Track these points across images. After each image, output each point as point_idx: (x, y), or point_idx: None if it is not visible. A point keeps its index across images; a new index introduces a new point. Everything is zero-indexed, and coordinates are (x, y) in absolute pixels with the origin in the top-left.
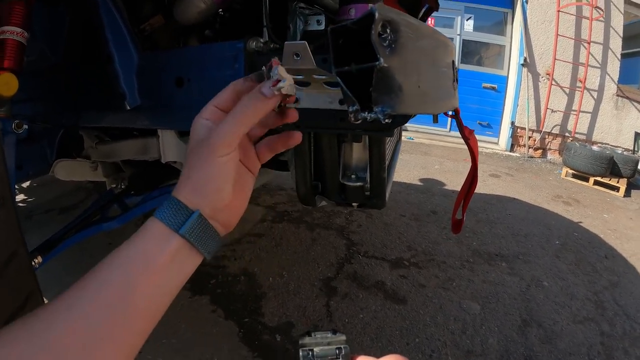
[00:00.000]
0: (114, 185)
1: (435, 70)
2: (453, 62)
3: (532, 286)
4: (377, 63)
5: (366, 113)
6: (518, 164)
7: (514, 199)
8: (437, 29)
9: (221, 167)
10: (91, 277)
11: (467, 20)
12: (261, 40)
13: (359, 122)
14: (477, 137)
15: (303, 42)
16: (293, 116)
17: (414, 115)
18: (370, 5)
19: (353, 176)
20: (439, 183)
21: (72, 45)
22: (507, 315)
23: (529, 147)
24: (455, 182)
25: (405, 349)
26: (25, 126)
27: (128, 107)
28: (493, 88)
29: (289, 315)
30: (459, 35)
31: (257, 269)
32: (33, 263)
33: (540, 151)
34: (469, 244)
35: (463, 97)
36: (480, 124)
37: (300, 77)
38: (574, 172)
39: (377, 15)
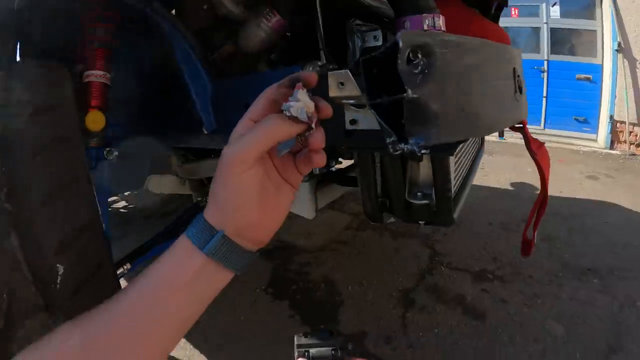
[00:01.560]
0: (200, 199)
1: (487, 86)
2: (514, 69)
3: (625, 307)
4: (404, 95)
5: (402, 144)
6: (619, 163)
7: (614, 204)
8: (523, 18)
9: (239, 184)
10: (130, 288)
11: (552, 6)
12: (319, 63)
13: (398, 152)
14: (574, 134)
15: (345, 71)
16: (314, 144)
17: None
18: (399, 32)
19: (419, 194)
20: (531, 187)
21: (156, 78)
22: (592, 340)
23: (630, 144)
24: (549, 187)
25: None
26: (115, 153)
27: (206, 132)
28: (587, 79)
29: (364, 324)
30: (545, 23)
31: (337, 277)
32: (122, 269)
33: None
34: (560, 256)
35: (556, 91)
36: (576, 119)
37: (353, 100)
38: None
39: (401, 44)
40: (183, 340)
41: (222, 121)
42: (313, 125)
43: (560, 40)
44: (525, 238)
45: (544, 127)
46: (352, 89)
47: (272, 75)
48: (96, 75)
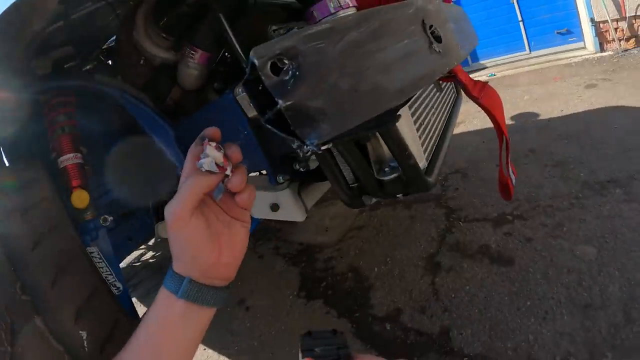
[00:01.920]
0: None
1: (384, 54)
2: (423, 22)
3: None
4: (278, 106)
5: (306, 146)
6: (613, 63)
7: (617, 107)
8: None
9: (185, 238)
10: (133, 338)
11: None
12: None
13: (309, 154)
14: (561, 48)
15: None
16: (232, 188)
17: (405, 102)
18: (254, 49)
19: (387, 169)
20: (532, 115)
21: (125, 135)
22: (628, 253)
23: (620, 40)
24: (549, 109)
25: (516, 315)
26: (110, 218)
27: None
28: None
29: (396, 301)
30: None
31: (362, 262)
32: None
33: (632, 40)
34: (576, 177)
35: (530, 12)
36: (559, 33)
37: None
38: None
39: (256, 61)
40: None
41: None
42: (229, 172)
43: None
44: (502, 178)
45: (530, 51)
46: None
47: (213, 105)
48: (69, 159)
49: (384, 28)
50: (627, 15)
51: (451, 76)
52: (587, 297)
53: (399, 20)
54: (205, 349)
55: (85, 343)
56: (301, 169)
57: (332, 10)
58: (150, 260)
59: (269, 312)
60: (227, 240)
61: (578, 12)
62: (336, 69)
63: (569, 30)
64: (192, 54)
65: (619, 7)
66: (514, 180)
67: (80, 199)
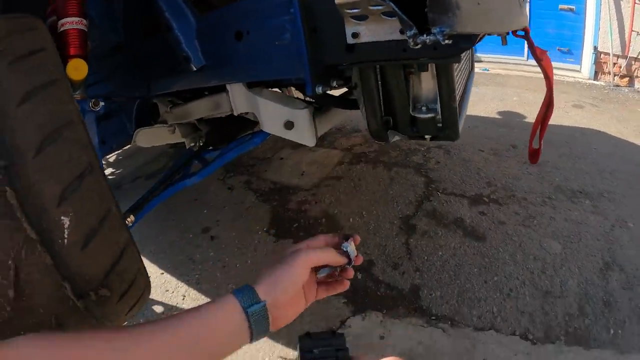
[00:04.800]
0: (193, 144)
1: None
2: None
3: (616, 227)
4: None
5: (425, 36)
6: (603, 93)
7: (600, 132)
8: None
9: (295, 275)
10: (168, 322)
11: None
12: None
13: (419, 46)
14: (557, 64)
15: None
16: (350, 274)
17: (479, 40)
18: None
19: (424, 108)
20: (518, 116)
21: (132, 23)
22: (588, 257)
23: (615, 75)
24: (535, 114)
25: (483, 286)
26: (102, 103)
27: (194, 69)
28: (571, 9)
29: (370, 253)
30: None
31: (337, 211)
32: (127, 222)
33: (626, 79)
34: (551, 180)
35: (539, 22)
36: (559, 50)
37: (357, 10)
38: None
39: None
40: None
41: (210, 55)
42: (353, 261)
43: None
44: (532, 147)
45: (527, 59)
46: None
47: None
48: (71, 22)
49: None
50: (629, 55)
51: (524, 34)
52: (549, 284)
53: None
54: (163, 273)
55: (65, 233)
56: (337, 86)
57: None
58: (110, 177)
59: (234, 244)
60: (296, 301)
61: (584, 37)
62: None
63: (570, 51)
64: None
65: (624, 45)
66: (542, 147)
67: (77, 69)
